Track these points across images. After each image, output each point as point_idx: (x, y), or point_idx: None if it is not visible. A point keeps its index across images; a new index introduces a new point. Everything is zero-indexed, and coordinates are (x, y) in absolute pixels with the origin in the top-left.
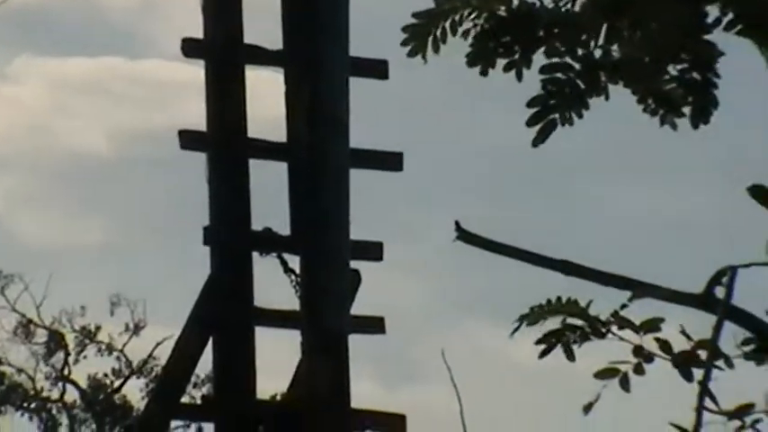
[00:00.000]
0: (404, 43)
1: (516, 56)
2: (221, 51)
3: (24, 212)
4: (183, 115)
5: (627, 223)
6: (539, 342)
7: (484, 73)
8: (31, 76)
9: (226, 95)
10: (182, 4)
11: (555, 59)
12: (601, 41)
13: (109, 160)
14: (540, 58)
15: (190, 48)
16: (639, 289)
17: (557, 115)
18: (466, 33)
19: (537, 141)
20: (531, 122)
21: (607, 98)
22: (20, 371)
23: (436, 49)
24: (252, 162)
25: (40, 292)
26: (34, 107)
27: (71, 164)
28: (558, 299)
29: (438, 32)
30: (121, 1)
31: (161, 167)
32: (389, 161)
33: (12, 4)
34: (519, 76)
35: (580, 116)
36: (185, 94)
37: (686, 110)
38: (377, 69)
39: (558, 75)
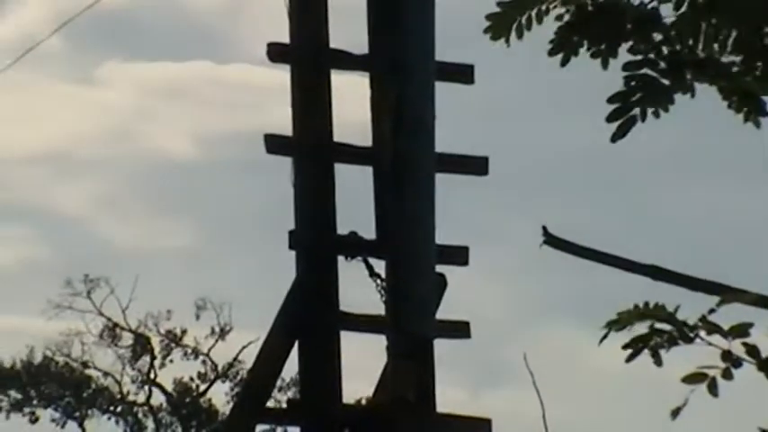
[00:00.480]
0: (486, 30)
1: (603, 46)
2: (307, 56)
3: (111, 216)
4: (269, 119)
5: (715, 226)
6: (626, 346)
7: (565, 62)
8: (119, 80)
9: (311, 100)
10: (269, 7)
11: (639, 56)
12: (687, 41)
13: (195, 164)
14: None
15: (275, 52)
16: (727, 294)
17: (637, 111)
18: (560, 17)
19: (616, 137)
20: (611, 118)
21: (693, 95)
22: (106, 374)
23: (520, 35)
24: (337, 166)
25: (126, 296)
26: (121, 111)
27: (157, 167)
28: (646, 304)
29: (524, 19)
30: (209, 5)
31: (247, 171)
32: (475, 165)
33: (100, 9)
34: (605, 64)
35: (666, 110)
36: (272, 97)
37: None
38: (463, 74)
39: (644, 71)
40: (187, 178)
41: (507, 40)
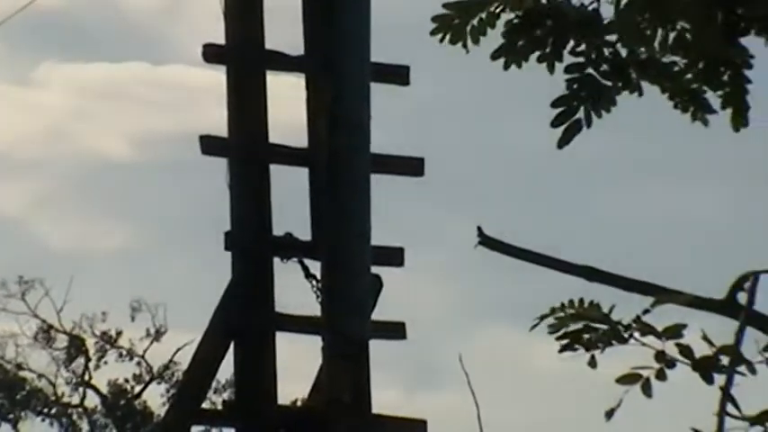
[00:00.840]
0: (433, 32)
1: (548, 48)
2: (242, 57)
3: (46, 217)
4: (206, 120)
5: (649, 228)
6: (559, 338)
7: (507, 66)
8: (55, 81)
9: (247, 101)
10: (206, 7)
11: (581, 59)
12: (625, 41)
13: (132, 165)
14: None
15: (211, 53)
16: (662, 295)
17: (581, 116)
18: (509, 22)
19: (562, 143)
20: (555, 123)
21: (640, 94)
22: (40, 376)
23: (476, 41)
24: (273, 167)
25: (61, 298)
26: (58, 112)
27: (94, 168)
28: (581, 301)
29: (476, 22)
30: (145, 5)
31: (184, 172)
32: (410, 166)
33: (36, 10)
34: (551, 69)
35: (608, 111)
36: (209, 98)
37: (723, 113)
38: (398, 75)
39: (587, 71)
40: (124, 179)
41: (465, 46)
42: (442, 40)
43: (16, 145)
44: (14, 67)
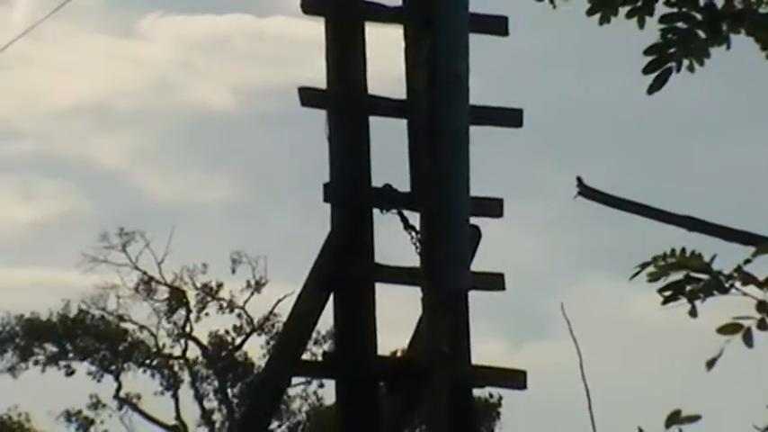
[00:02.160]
0: None
1: (639, 2)
2: (341, 8)
3: (149, 169)
4: (308, 72)
5: (750, 177)
6: (661, 291)
7: (603, 20)
8: (158, 33)
9: (345, 53)
10: None
11: (675, 9)
12: None
13: (234, 117)
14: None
15: (309, 5)
16: (763, 244)
17: (673, 64)
18: None
19: (653, 88)
20: (647, 70)
21: (729, 47)
22: (142, 328)
23: None
24: (372, 119)
25: (161, 249)
26: (161, 65)
27: (196, 121)
28: (683, 250)
29: None
30: None
31: (285, 124)
32: (509, 118)
33: None
34: (641, 23)
35: (701, 64)
36: (311, 50)
37: None
38: (497, 26)
39: (679, 24)
40: (225, 132)
41: (552, 1)
42: None
43: (119, 97)
44: (118, 19)
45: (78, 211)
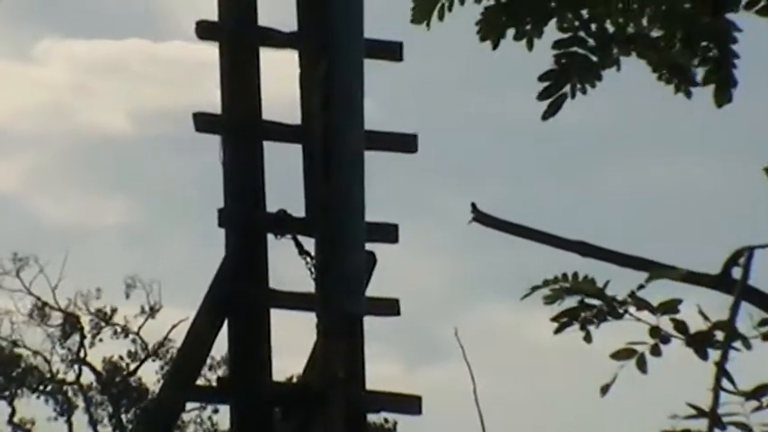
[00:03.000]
0: (412, 18)
1: (528, 26)
2: (235, 34)
3: (43, 193)
4: (203, 96)
5: (643, 203)
6: (554, 319)
7: (495, 47)
8: (55, 57)
9: (240, 78)
10: None
11: (568, 34)
12: (614, 16)
13: (130, 141)
14: (548, 37)
15: (204, 30)
16: (656, 270)
17: (567, 89)
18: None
19: (547, 114)
20: (542, 96)
21: (618, 69)
22: (36, 353)
23: (441, 17)
24: (266, 144)
25: (55, 275)
26: (57, 88)
27: (92, 144)
28: (575, 275)
29: (446, 1)
30: None
31: (181, 148)
32: (404, 143)
33: None
34: (530, 45)
35: (593, 86)
36: (207, 74)
37: (708, 88)
38: (391, 51)
39: (573, 48)
40: (121, 155)
41: (428, 24)
42: (413, 22)
43: (14, 120)
44: (14, 42)
45: None
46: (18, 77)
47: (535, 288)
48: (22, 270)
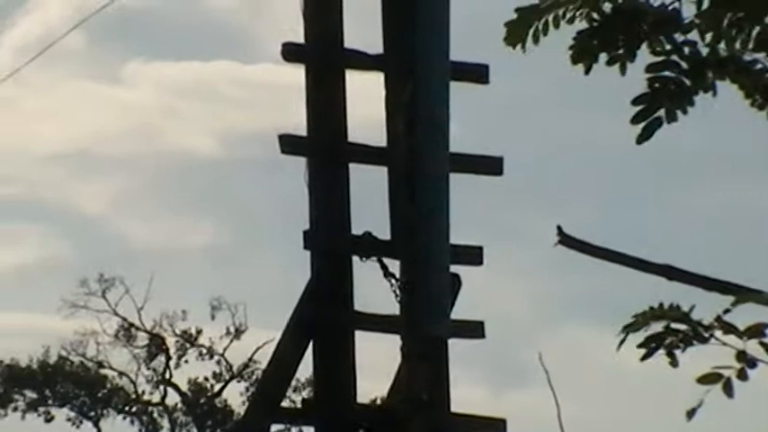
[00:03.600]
0: (505, 38)
1: (621, 50)
2: (321, 56)
3: (131, 214)
4: (291, 118)
5: (731, 226)
6: (641, 346)
7: (587, 71)
8: (143, 79)
9: (325, 100)
10: (290, 6)
11: (661, 57)
12: (707, 39)
13: (217, 163)
14: (641, 61)
15: (289, 52)
16: (742, 294)
17: (662, 113)
18: (571, 20)
19: (641, 139)
20: (635, 120)
21: (714, 94)
22: (121, 374)
23: (536, 41)
24: (352, 166)
25: (141, 296)
26: (145, 110)
27: (179, 166)
28: (661, 305)
29: (540, 25)
30: (231, 3)
31: (267, 170)
32: (489, 165)
33: (125, 8)
34: (623, 70)
35: (685, 112)
36: (295, 96)
37: None
38: (477, 74)
39: (665, 72)
40: (208, 177)
41: (524, 46)
42: (508, 44)
43: (102, 143)
44: (103, 65)
45: (59, 257)
46: (106, 100)
47: (627, 327)
48: (108, 291)
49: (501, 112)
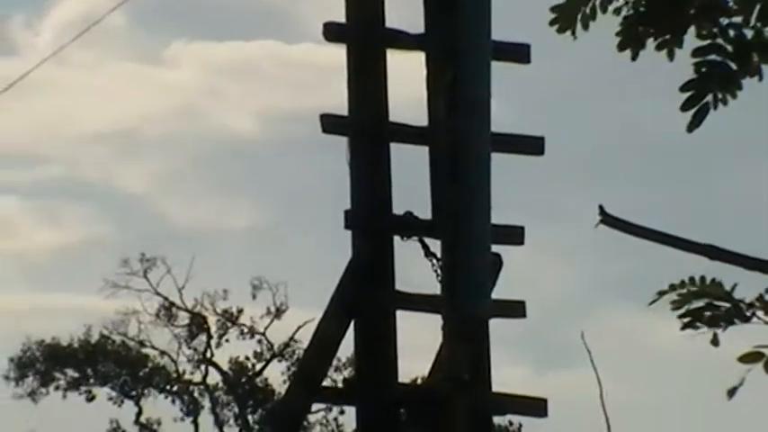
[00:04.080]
0: (552, 22)
1: (668, 36)
2: (362, 36)
3: (173, 195)
4: (333, 98)
5: None
6: (681, 316)
7: (635, 57)
8: (186, 59)
9: (367, 80)
10: None
11: (707, 41)
12: (752, 22)
13: (259, 143)
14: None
15: (331, 32)
16: None
17: (710, 98)
18: (617, 11)
19: (692, 126)
20: (685, 107)
21: (761, 78)
22: (162, 353)
23: (585, 26)
24: (393, 146)
25: (182, 275)
26: (187, 90)
27: (221, 147)
28: (702, 278)
29: (587, 10)
30: None
31: (309, 150)
32: (530, 145)
33: None
34: (671, 56)
35: (734, 97)
36: (337, 76)
37: None
38: (519, 54)
39: (712, 56)
40: (249, 157)
41: (573, 32)
42: (559, 31)
43: (145, 123)
44: (144, 45)
45: (101, 237)
46: (149, 80)
47: (662, 293)
48: (149, 271)
49: (542, 92)
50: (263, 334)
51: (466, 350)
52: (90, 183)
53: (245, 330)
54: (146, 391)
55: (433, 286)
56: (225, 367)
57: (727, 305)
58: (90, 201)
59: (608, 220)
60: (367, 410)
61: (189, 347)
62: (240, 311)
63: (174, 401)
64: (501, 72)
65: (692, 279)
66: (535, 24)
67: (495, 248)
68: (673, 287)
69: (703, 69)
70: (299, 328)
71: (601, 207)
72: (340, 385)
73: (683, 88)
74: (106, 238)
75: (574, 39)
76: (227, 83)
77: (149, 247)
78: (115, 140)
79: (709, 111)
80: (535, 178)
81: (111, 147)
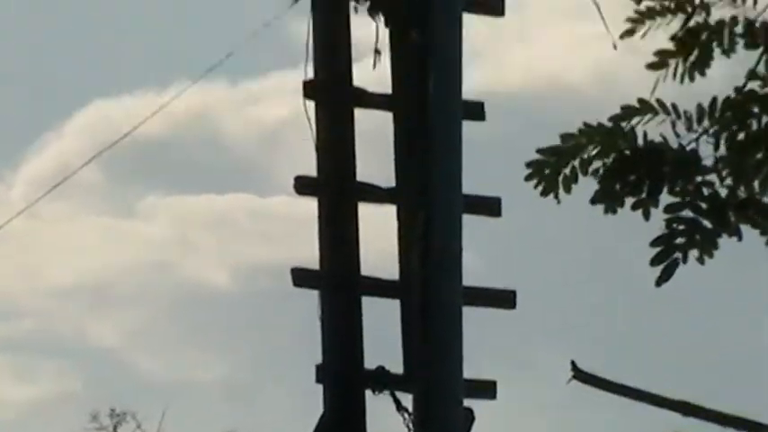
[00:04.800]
0: (528, 178)
1: (644, 194)
2: (333, 189)
3: (145, 348)
4: (306, 251)
5: (750, 362)
6: None
7: (610, 211)
8: (160, 213)
9: (338, 233)
10: (304, 139)
11: (680, 198)
12: (727, 181)
13: (231, 296)
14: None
15: (303, 185)
16: (757, 430)
17: (680, 255)
18: (596, 173)
19: (661, 281)
20: (654, 262)
21: (740, 238)
22: None
23: (567, 189)
24: (365, 299)
25: (153, 430)
26: (161, 244)
27: (192, 300)
28: None
29: (568, 172)
30: (246, 136)
31: (282, 303)
32: (502, 299)
33: (140, 143)
34: (646, 216)
35: (710, 256)
36: (309, 229)
37: None
38: (490, 207)
39: (684, 213)
40: (222, 310)
41: (557, 196)
42: (536, 187)
43: (118, 277)
44: (118, 200)
45: (72, 392)
46: (123, 234)
47: None
48: (119, 426)
49: (513, 245)
50: None
51: None
52: (63, 337)
53: None
54: None
55: None
56: None
57: None
58: (62, 355)
59: (580, 376)
60: None
61: None
62: None
63: None
64: (472, 223)
65: None
66: (507, 176)
67: (467, 402)
68: None
69: (674, 225)
70: None
71: (573, 363)
72: None
73: (654, 243)
74: (77, 393)
75: (557, 203)
76: (201, 235)
77: (121, 401)
78: (87, 294)
79: (678, 265)
80: (507, 332)
81: (84, 300)
